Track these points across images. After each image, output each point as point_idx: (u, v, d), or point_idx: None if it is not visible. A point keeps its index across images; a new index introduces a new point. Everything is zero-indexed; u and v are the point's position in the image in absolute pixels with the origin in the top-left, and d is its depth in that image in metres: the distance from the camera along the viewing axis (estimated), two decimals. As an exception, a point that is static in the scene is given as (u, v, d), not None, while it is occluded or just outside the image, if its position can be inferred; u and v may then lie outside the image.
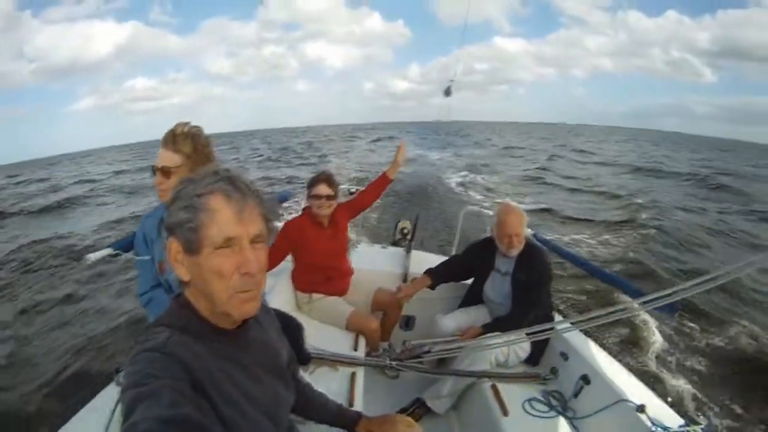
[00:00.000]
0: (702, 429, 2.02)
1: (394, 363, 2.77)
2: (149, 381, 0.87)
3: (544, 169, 24.69)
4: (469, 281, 3.46)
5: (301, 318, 3.18)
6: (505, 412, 2.49)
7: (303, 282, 3.36)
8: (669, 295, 1.82)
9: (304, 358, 2.27)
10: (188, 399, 0.89)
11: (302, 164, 27.37)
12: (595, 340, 3.03)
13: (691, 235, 11.33)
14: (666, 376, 5.33)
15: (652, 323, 6.28)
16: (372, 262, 4.03)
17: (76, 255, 9.35)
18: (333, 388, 2.44)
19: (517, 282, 3.08)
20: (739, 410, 4.70)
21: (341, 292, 3.40)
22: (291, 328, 1.88)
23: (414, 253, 4.28)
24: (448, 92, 3.95)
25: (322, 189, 3.19)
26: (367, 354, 3.12)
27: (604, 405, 2.37)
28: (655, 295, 1.87)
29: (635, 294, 2.48)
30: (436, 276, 3.35)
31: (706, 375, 5.45)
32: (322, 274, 3.30)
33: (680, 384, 5.17)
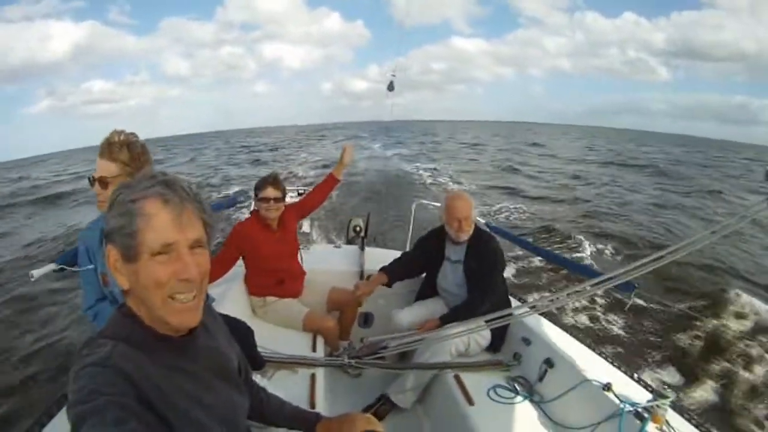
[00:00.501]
0: (671, 402, 2.02)
1: (353, 361, 2.72)
2: (93, 398, 0.83)
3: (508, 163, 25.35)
4: (424, 275, 3.45)
5: (256, 323, 3.14)
6: (470, 402, 2.47)
7: (255, 286, 3.27)
8: (624, 273, 1.83)
9: (257, 362, 2.19)
10: (134, 415, 0.85)
11: (264, 165, 26.93)
12: (556, 323, 3.06)
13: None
14: (629, 353, 5.52)
15: (612, 303, 6.49)
16: (326, 262, 3.97)
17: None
18: (293, 391, 2.36)
19: (469, 269, 3.08)
20: (702, 380, 4.92)
21: (295, 293, 3.33)
22: (240, 332, 1.86)
23: (368, 250, 4.25)
24: (390, 87, 3.96)
25: (270, 191, 3.13)
26: (329, 354, 3.06)
27: (570, 386, 2.38)
28: (611, 274, 1.88)
29: (591, 275, 2.51)
30: (391, 273, 3.31)
31: (668, 348, 5.69)
32: (274, 276, 3.23)
33: (644, 360, 5.36)
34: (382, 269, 3.34)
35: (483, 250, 3.07)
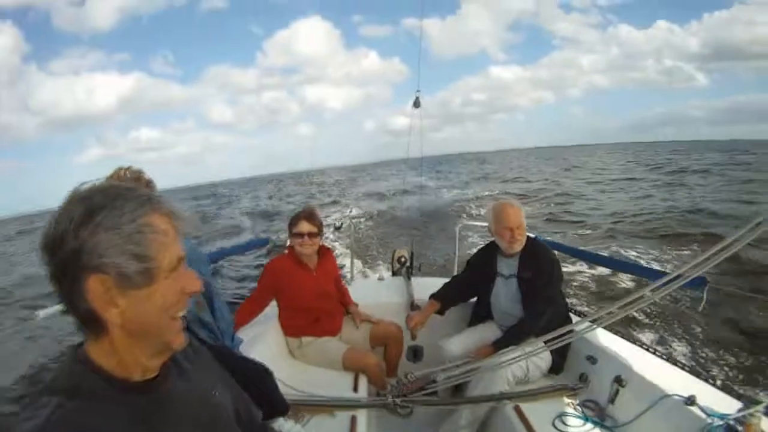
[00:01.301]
0: (765, 407, 1.78)
1: (398, 399, 2.46)
2: None
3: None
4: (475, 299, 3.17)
5: (294, 365, 2.90)
6: None
7: (290, 326, 3.07)
8: (693, 267, 1.62)
9: (280, 406, 1.96)
10: None
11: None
12: (623, 336, 2.79)
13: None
14: (709, 359, 4.90)
15: (682, 305, 5.89)
16: (369, 296, 3.72)
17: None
18: None
19: (524, 282, 2.81)
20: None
21: (333, 331, 3.10)
22: (257, 375, 1.68)
23: (415, 280, 4.01)
24: (416, 104, 3.85)
25: (304, 226, 2.97)
26: (375, 395, 2.80)
27: (647, 405, 2.10)
28: (678, 272, 1.68)
29: (656, 276, 2.23)
30: (442, 300, 3.08)
31: (754, 346, 5.05)
32: (310, 315, 3.02)
33: (727, 364, 4.72)
34: (433, 296, 3.11)
35: (538, 260, 2.80)
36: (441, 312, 3.08)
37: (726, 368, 4.70)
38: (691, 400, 1.95)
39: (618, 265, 3.18)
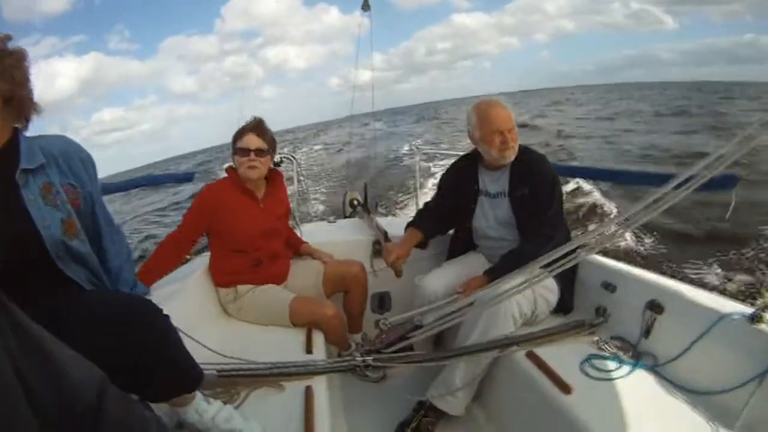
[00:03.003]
0: None
1: (369, 358, 1.82)
2: None
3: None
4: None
5: (228, 324, 2.27)
6: (564, 387, 1.56)
7: (222, 273, 2.31)
8: (716, 160, 1.21)
9: (185, 375, 1.26)
10: None
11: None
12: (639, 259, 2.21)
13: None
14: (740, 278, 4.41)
15: (706, 211, 5.27)
16: (322, 236, 2.99)
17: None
18: (280, 416, 1.48)
19: (518, 201, 2.20)
20: None
21: (278, 278, 2.36)
22: (123, 317, 1.12)
23: (378, 219, 3.30)
24: (365, 6, 3.19)
25: (251, 140, 2.23)
26: (338, 356, 2.16)
27: (699, 332, 1.61)
28: (701, 166, 1.24)
29: (666, 179, 1.70)
30: (424, 227, 2.44)
31: None
32: (250, 259, 2.27)
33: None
34: (412, 224, 2.46)
35: (534, 173, 2.19)
36: (423, 244, 2.44)
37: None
38: (756, 317, 1.51)
39: (625, 176, 2.62)
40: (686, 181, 1.26)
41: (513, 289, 1.65)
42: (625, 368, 1.68)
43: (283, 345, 1.96)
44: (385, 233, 2.78)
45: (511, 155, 2.19)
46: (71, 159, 1.29)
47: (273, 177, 2.41)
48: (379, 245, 2.76)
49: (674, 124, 18.76)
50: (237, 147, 2.24)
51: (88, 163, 1.34)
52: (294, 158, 3.59)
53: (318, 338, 2.04)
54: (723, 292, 1.82)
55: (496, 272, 1.99)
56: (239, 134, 2.27)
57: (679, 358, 1.63)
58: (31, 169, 1.16)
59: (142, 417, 0.68)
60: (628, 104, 34.45)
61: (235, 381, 1.61)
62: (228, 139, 2.34)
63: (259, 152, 2.23)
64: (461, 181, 2.40)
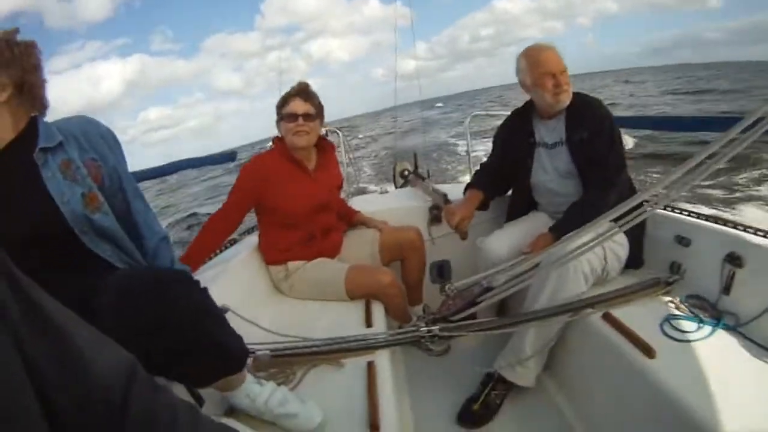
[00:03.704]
0: None
1: (435, 328, 1.69)
2: None
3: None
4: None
5: (282, 302, 2.16)
6: (647, 351, 1.40)
7: (273, 250, 2.20)
8: None
9: (227, 355, 1.18)
10: None
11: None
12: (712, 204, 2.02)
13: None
14: None
15: None
16: (375, 205, 2.87)
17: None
18: (341, 393, 1.40)
19: (577, 147, 2.04)
20: None
21: (330, 251, 2.25)
22: (161, 294, 1.01)
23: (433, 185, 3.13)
24: None
25: (298, 105, 2.09)
26: (396, 329, 2.02)
27: None
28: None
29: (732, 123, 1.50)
30: (486, 187, 2.32)
31: None
32: (302, 234, 2.16)
33: None
34: (470, 185, 2.35)
35: (591, 117, 2.02)
36: (485, 205, 2.33)
37: None
38: None
39: (686, 123, 2.41)
40: (754, 123, 1.11)
41: (584, 246, 1.51)
42: (707, 329, 1.52)
43: (341, 320, 1.87)
44: (445, 195, 2.64)
45: (566, 99, 2.03)
46: (91, 135, 1.27)
47: (323, 146, 2.27)
48: (437, 210, 2.65)
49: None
50: (283, 113, 2.11)
51: (109, 137, 1.31)
52: (339, 132, 3.50)
53: (378, 310, 1.94)
54: None
55: (563, 228, 1.83)
56: (284, 100, 2.13)
57: (764, 315, 1.47)
58: (50, 148, 1.17)
59: (170, 405, 0.60)
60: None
61: (291, 361, 1.53)
62: (274, 131, 2.22)
63: (307, 117, 2.08)
64: (516, 136, 2.25)
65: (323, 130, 2.87)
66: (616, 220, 1.41)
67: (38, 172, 1.14)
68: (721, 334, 1.50)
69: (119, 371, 0.55)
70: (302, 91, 2.12)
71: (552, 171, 2.14)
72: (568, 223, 1.84)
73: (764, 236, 1.64)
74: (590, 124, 2.00)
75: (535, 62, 2.05)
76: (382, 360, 1.53)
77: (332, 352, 1.57)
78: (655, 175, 5.62)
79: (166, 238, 1.41)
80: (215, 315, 1.10)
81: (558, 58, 2.04)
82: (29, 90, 1.17)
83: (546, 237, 1.91)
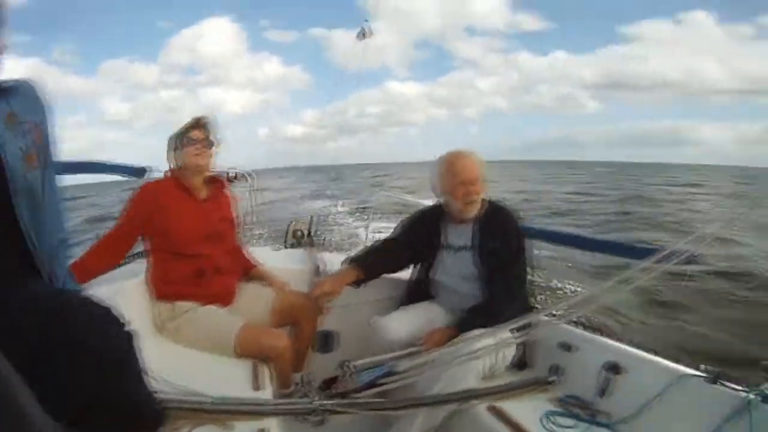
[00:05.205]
0: None
1: (329, 403, 1.66)
2: None
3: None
4: (407, 274, 2.46)
5: (163, 345, 2.01)
6: None
7: (162, 283, 2.09)
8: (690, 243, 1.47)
9: (143, 412, 1.03)
10: None
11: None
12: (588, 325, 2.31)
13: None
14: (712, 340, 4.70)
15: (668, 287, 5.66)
16: (264, 260, 2.79)
17: None
18: None
19: (484, 255, 2.16)
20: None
21: (225, 298, 2.15)
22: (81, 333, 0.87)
23: (320, 253, 3.16)
24: (363, 35, 3.12)
25: (197, 133, 2.15)
26: (282, 395, 1.96)
27: (657, 391, 1.65)
28: (672, 249, 1.47)
29: (645, 253, 1.84)
30: (365, 265, 2.28)
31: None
32: (192, 266, 2.08)
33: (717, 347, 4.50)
34: (352, 260, 2.31)
35: (501, 228, 2.18)
36: (359, 282, 2.28)
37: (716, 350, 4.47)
38: (714, 378, 1.58)
39: (599, 244, 2.67)
40: (668, 256, 1.37)
41: (482, 349, 1.63)
42: (583, 425, 1.68)
43: (228, 377, 1.77)
44: (317, 267, 2.67)
45: (474, 209, 2.18)
46: (38, 99, 1.18)
47: (214, 180, 2.30)
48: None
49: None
50: (185, 138, 2.14)
51: (51, 109, 1.21)
52: (250, 175, 3.41)
53: (265, 373, 1.85)
54: (677, 357, 1.91)
55: (463, 328, 1.96)
56: (185, 129, 2.17)
57: (637, 417, 1.65)
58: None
59: None
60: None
61: (175, 415, 1.41)
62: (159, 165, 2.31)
63: (207, 143, 2.16)
64: (423, 232, 2.35)
65: (234, 172, 2.82)
66: (516, 329, 1.53)
67: None
68: (597, 431, 1.67)
69: None
70: (203, 123, 2.19)
71: (455, 273, 2.24)
72: (468, 324, 1.96)
73: (641, 350, 1.88)
74: (500, 234, 2.15)
75: (450, 169, 2.18)
76: (273, 429, 1.46)
77: (221, 412, 1.46)
78: (569, 286, 6.20)
79: (66, 241, 1.26)
80: (138, 368, 0.98)
81: (474, 167, 2.18)
82: None
83: (443, 332, 1.99)
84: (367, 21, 3.20)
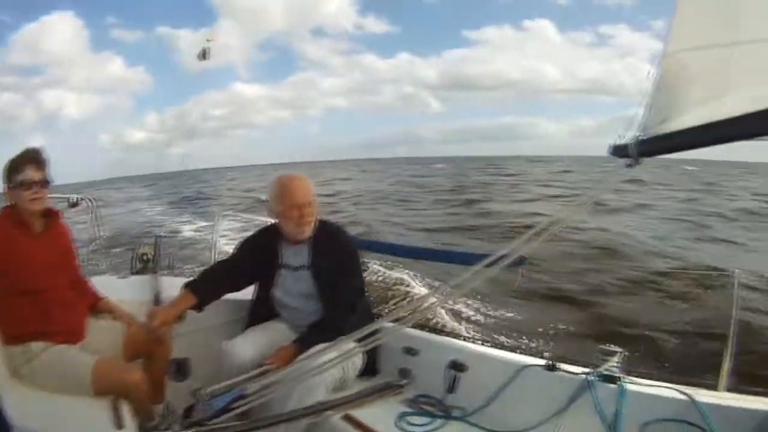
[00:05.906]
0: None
1: (191, 431, 1.72)
2: None
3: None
4: (248, 295, 2.58)
5: (21, 392, 1.92)
6: None
7: (10, 324, 2.02)
8: (520, 246, 1.52)
9: None
10: None
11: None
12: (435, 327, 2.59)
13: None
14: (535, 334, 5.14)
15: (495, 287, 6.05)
16: (110, 295, 2.73)
17: None
18: None
19: (320, 273, 2.36)
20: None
21: (74, 335, 2.13)
22: None
23: (164, 279, 3.14)
24: (204, 55, 3.10)
25: (33, 173, 2.06)
26: (141, 429, 1.95)
27: (502, 383, 1.93)
28: (502, 253, 1.52)
29: (475, 259, 2.11)
30: (200, 289, 2.35)
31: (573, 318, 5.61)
32: (37, 303, 2.04)
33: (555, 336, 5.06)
34: (188, 285, 2.37)
35: (334, 246, 2.39)
36: (199, 307, 2.34)
37: (554, 339, 5.01)
38: (552, 365, 1.86)
39: (430, 254, 2.96)
40: (496, 261, 1.50)
41: (328, 363, 1.81)
42: (438, 421, 1.93)
43: (91, 417, 1.78)
44: (156, 295, 2.66)
45: (307, 231, 2.34)
46: None
47: (49, 212, 2.24)
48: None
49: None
50: (18, 180, 2.06)
51: None
52: (92, 201, 3.28)
53: (125, 410, 1.87)
54: (517, 349, 2.26)
55: (305, 344, 2.11)
56: (16, 167, 2.08)
57: (487, 406, 1.92)
58: None
59: None
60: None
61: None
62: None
63: (43, 184, 2.10)
64: (262, 254, 2.47)
65: (75, 198, 2.73)
66: (359, 339, 1.73)
67: None
68: (452, 424, 1.91)
69: None
70: (35, 158, 2.13)
71: (295, 292, 2.41)
72: (311, 339, 2.13)
73: (482, 344, 2.18)
74: (334, 252, 2.35)
75: (283, 193, 2.33)
76: None
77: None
78: (413, 291, 6.55)
79: None
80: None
81: (305, 191, 2.34)
82: None
83: (289, 350, 2.14)
84: (208, 41, 3.22)
